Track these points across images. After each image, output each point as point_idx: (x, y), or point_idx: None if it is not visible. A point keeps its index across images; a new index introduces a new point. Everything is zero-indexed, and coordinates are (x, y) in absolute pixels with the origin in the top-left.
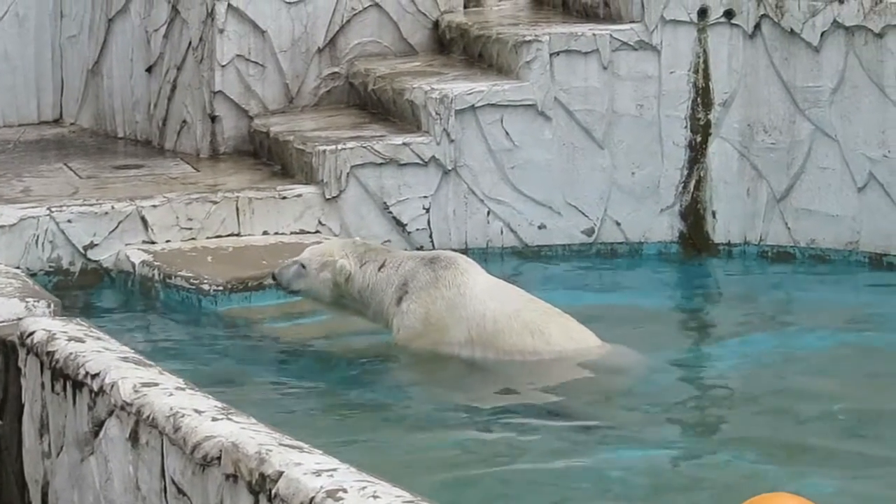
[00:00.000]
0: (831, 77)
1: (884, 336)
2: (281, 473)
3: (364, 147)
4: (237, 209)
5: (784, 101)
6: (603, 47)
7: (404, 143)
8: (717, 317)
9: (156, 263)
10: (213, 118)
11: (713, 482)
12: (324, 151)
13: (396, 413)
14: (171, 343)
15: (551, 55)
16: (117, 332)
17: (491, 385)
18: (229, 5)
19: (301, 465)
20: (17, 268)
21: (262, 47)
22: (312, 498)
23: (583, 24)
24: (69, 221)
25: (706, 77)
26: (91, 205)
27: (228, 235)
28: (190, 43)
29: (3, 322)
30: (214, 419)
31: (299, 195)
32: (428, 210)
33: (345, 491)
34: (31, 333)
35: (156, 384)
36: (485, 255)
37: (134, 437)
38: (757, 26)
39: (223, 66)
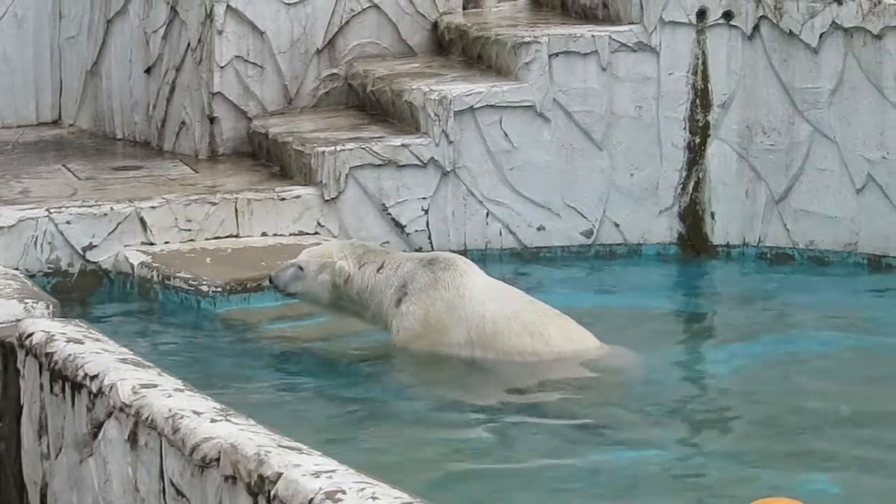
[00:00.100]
0: (830, 78)
1: (882, 337)
2: (280, 475)
3: (363, 148)
4: (236, 210)
5: (783, 103)
6: (602, 49)
7: (403, 145)
8: (715, 318)
9: (154, 265)
10: (212, 119)
11: (711, 483)
12: (323, 153)
13: (395, 414)
14: (169, 344)
15: (550, 56)
16: (116, 333)
17: (490, 386)
18: (228, 6)
19: (300, 466)
20: (16, 269)
21: (261, 48)
22: (311, 499)
23: (582, 25)
24: (68, 223)
25: (705, 78)
26: (90, 206)
27: (227, 237)
28: (189, 44)
29: (1, 323)
30: (213, 420)
31: (298, 196)
32: (427, 211)
33: (343, 492)
34: (30, 335)
35: (155, 385)
36: (484, 257)
37: (133, 439)
38: (756, 28)
39: (222, 68)
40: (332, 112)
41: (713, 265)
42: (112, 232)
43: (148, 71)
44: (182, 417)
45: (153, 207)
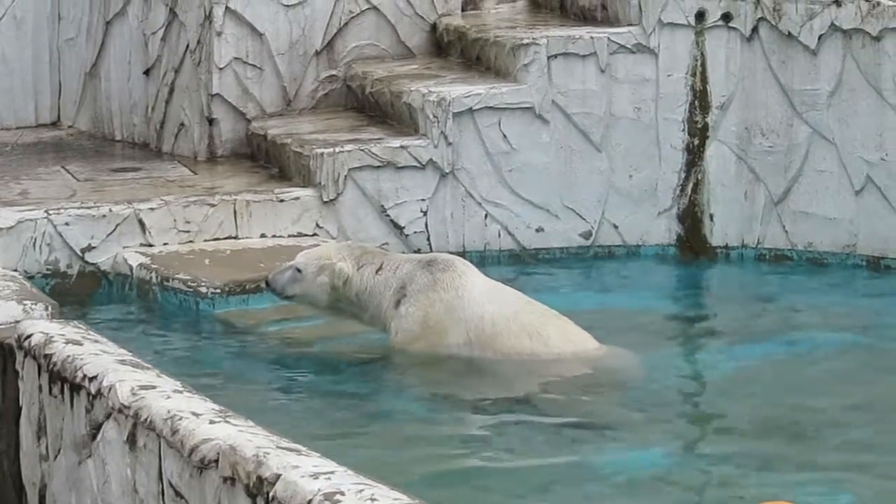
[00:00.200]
0: (829, 80)
1: (882, 338)
2: (279, 476)
3: (362, 150)
4: (235, 212)
5: (781, 105)
6: (600, 50)
7: (402, 146)
8: (714, 319)
9: (153, 266)
10: (211, 121)
11: (710, 485)
12: (321, 154)
13: (394, 416)
14: (168, 346)
15: (549, 58)
16: (115, 334)
17: (489, 387)
18: (227, 8)
19: (299, 467)
20: (15, 270)
21: (260, 50)
22: (310, 500)
23: (580, 27)
24: (67, 224)
25: (704, 80)
26: (89, 207)
27: (226, 238)
28: (188, 46)
29: (0, 325)
30: (212, 422)
31: (297, 198)
32: (426, 213)
33: (342, 493)
34: (29, 336)
35: (153, 387)
36: (482, 258)
37: (132, 440)
38: (754, 29)
39: (221, 69)
40: (330, 114)
41: (712, 267)
42: (111, 233)
43: (147, 72)
44: (181, 419)
45: (152, 209)
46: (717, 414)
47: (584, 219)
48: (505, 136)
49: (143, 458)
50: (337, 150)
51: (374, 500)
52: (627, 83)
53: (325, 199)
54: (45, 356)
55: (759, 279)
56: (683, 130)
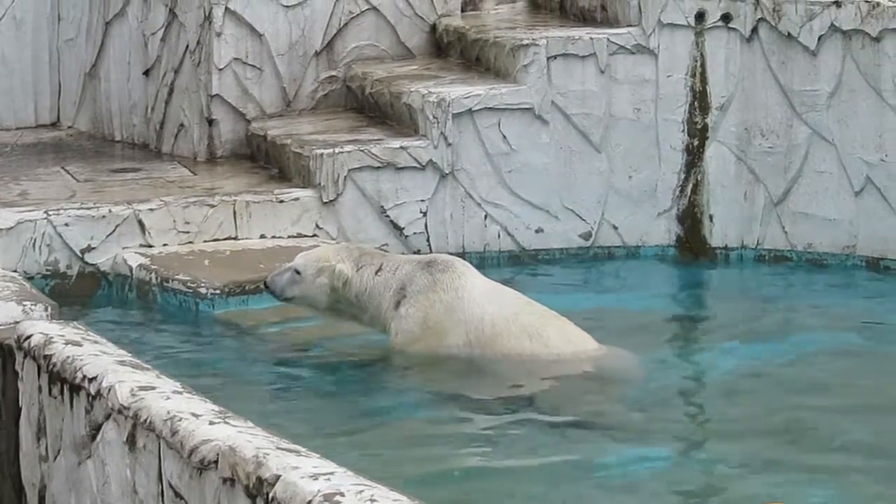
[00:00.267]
0: (828, 81)
1: (881, 339)
2: (278, 477)
3: (361, 150)
4: (234, 213)
5: (781, 105)
6: (600, 51)
7: (401, 147)
8: (713, 320)
9: (153, 267)
10: (211, 122)
11: (709, 485)
12: (321, 155)
13: (394, 416)
14: (168, 346)
15: (548, 59)
16: (114, 335)
17: (489, 388)
18: (227, 9)
19: (298, 468)
20: (15, 271)
21: (260, 51)
22: (310, 501)
23: (580, 27)
24: (66, 225)
25: (703, 81)
26: (88, 208)
27: (226, 239)
28: (187, 46)
29: (0, 325)
30: (212, 423)
31: (297, 199)
32: (425, 214)
33: (342, 495)
34: (29, 337)
35: (153, 388)
36: (482, 259)
37: (131, 441)
38: (754, 30)
39: (220, 70)
40: (330, 114)
41: (711, 267)
42: (110, 234)
43: (146, 73)
44: (180, 419)
45: (151, 209)
46: (716, 414)
47: (583, 220)
48: (504, 136)
49: (143, 458)
50: (336, 150)
51: (374, 500)
52: (627, 84)
53: (324, 200)
54: (45, 357)
55: (758, 280)
56: (683, 131)
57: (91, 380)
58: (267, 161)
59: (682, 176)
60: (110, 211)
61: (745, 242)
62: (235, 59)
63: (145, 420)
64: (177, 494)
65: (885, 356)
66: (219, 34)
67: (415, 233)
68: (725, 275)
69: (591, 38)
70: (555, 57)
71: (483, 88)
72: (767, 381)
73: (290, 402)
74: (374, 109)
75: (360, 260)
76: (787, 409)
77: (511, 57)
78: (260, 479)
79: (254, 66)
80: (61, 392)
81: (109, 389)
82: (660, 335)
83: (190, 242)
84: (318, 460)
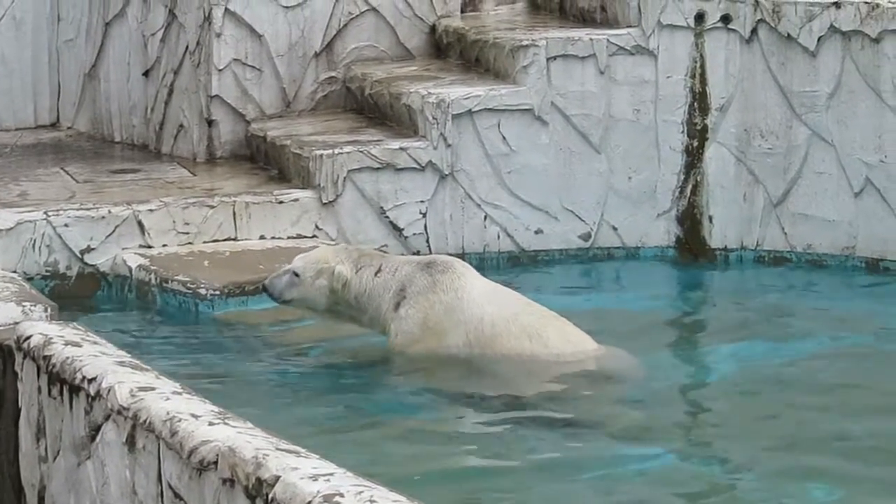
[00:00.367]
0: (828, 82)
1: (881, 340)
2: (278, 478)
3: (361, 151)
4: (234, 213)
5: (781, 106)
6: (600, 52)
7: (401, 148)
8: (713, 321)
9: (152, 268)
10: (210, 122)
11: (709, 485)
12: (321, 156)
13: (394, 417)
14: (167, 347)
15: (548, 60)
16: (114, 336)
17: (489, 389)
18: (226, 9)
19: (298, 469)
20: (14, 272)
21: (259, 51)
22: (309, 502)
23: (580, 28)
24: (66, 226)
25: (703, 82)
26: (88, 209)
27: (225, 240)
28: (187, 47)
29: (0, 326)
30: (211, 423)
31: (296, 199)
32: (425, 215)
33: (342, 495)
34: (28, 338)
35: (152, 388)
36: (482, 260)
37: (131, 442)
38: (754, 31)
39: (220, 71)
40: (330, 115)
41: (711, 269)
42: (110, 235)
43: (146, 74)
44: (180, 420)
45: (151, 210)
46: (715, 415)
47: (583, 220)
48: (504, 137)
49: (143, 459)
50: (336, 151)
51: (374, 501)
52: (627, 85)
53: (324, 201)
54: (45, 358)
55: (758, 281)
56: (683, 132)
57: (90, 380)
58: (266, 162)
59: (682, 177)
60: (110, 212)
61: (744, 243)
62: (235, 59)
63: (145, 421)
64: (176, 495)
65: (886, 357)
66: (218, 35)
67: (414, 234)
68: (725, 276)
69: (591, 39)
70: (554, 58)
71: (483, 89)
72: (767, 381)
73: (289, 402)
74: (374, 110)
75: (360, 261)
76: (786, 410)
77: (511, 58)
78: (259, 480)
79: (253, 66)
80: (61, 393)
81: (109, 390)
82: (659, 336)
83: (189, 243)
84: (317, 461)
